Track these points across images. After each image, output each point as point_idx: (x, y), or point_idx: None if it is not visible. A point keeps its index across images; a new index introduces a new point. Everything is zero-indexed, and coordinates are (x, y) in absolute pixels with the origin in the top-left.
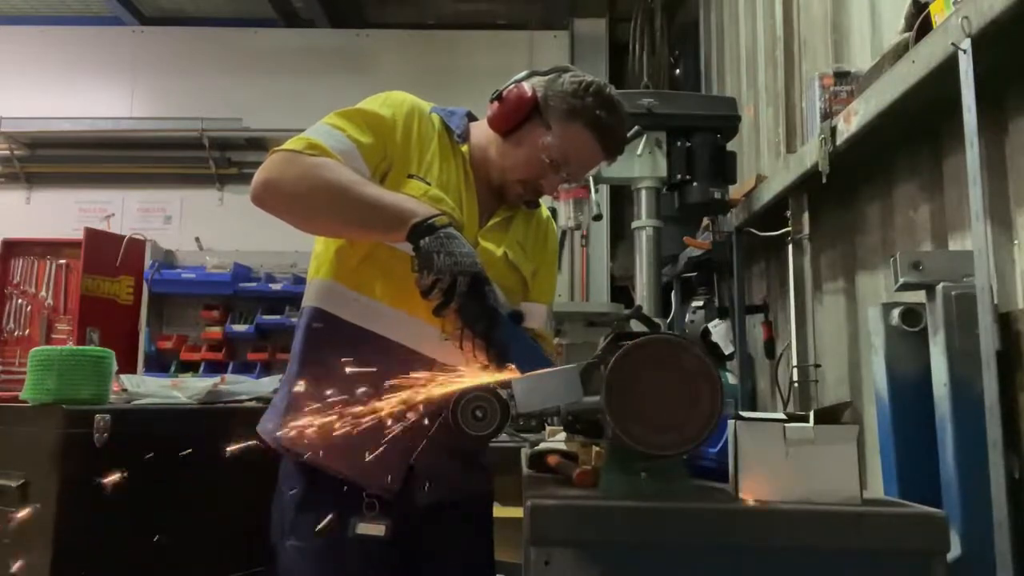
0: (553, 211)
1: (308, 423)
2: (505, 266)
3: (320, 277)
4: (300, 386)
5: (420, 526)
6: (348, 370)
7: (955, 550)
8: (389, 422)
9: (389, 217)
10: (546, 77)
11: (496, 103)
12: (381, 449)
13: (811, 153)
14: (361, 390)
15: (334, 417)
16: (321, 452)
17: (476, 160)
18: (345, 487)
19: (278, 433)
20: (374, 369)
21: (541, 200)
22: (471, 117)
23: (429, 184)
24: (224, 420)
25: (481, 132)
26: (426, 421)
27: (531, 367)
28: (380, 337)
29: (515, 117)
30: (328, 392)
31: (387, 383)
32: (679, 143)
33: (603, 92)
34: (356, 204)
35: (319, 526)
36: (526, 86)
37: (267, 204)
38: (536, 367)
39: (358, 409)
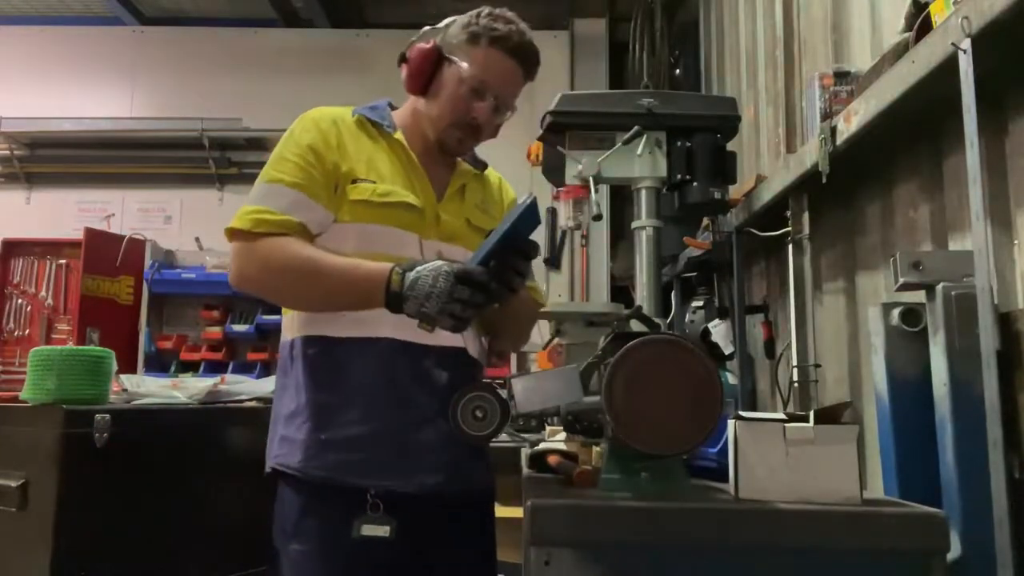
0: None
1: (346, 446)
2: (470, 231)
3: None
4: (316, 414)
5: (426, 525)
6: (362, 381)
7: (955, 550)
8: (421, 421)
9: (356, 301)
10: (440, 29)
11: (404, 66)
12: (414, 448)
13: (811, 153)
14: (381, 397)
15: (366, 431)
16: (363, 470)
17: (413, 141)
18: (348, 489)
19: (307, 464)
20: (382, 375)
21: (490, 168)
22: (392, 107)
23: (375, 182)
24: (224, 420)
25: (406, 112)
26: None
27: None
28: (380, 339)
29: (425, 70)
30: (346, 410)
31: (400, 381)
32: (679, 143)
33: (494, 11)
34: (322, 297)
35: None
36: (423, 39)
37: (254, 293)
38: (527, 220)
39: (387, 416)
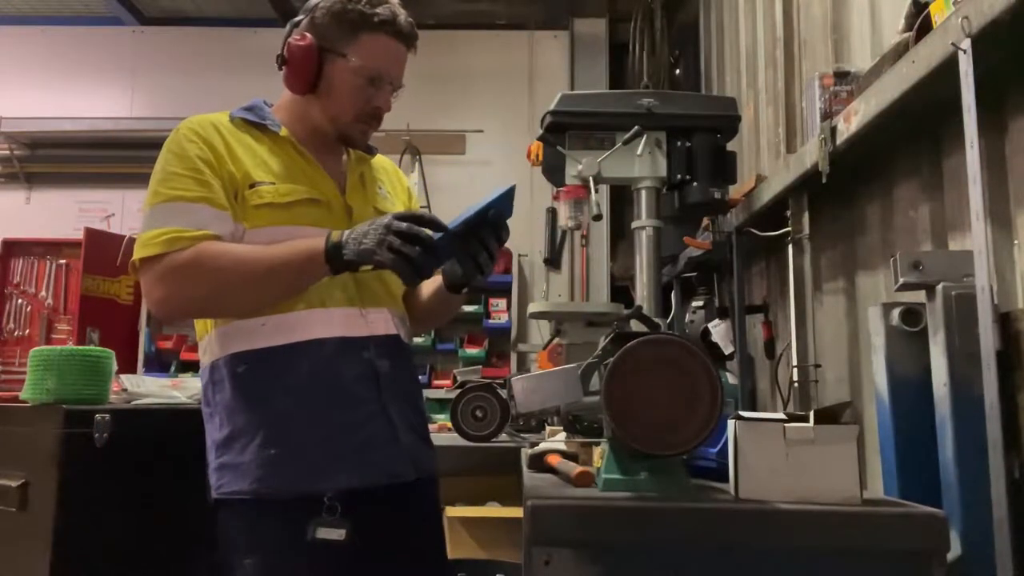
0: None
1: (299, 455)
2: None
3: (217, 328)
4: (261, 431)
5: (380, 522)
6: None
7: (955, 550)
8: (369, 414)
9: (297, 275)
10: (308, 15)
11: (284, 68)
12: (376, 442)
13: (811, 153)
14: (325, 398)
15: (317, 435)
16: (319, 475)
17: (301, 135)
18: (304, 496)
19: (260, 484)
20: (321, 376)
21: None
22: (267, 104)
23: (274, 183)
24: None
25: (287, 107)
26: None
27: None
28: (311, 341)
29: (309, 68)
30: (293, 419)
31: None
32: (679, 143)
33: None
34: (260, 284)
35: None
36: (296, 36)
37: (180, 318)
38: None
39: (335, 416)
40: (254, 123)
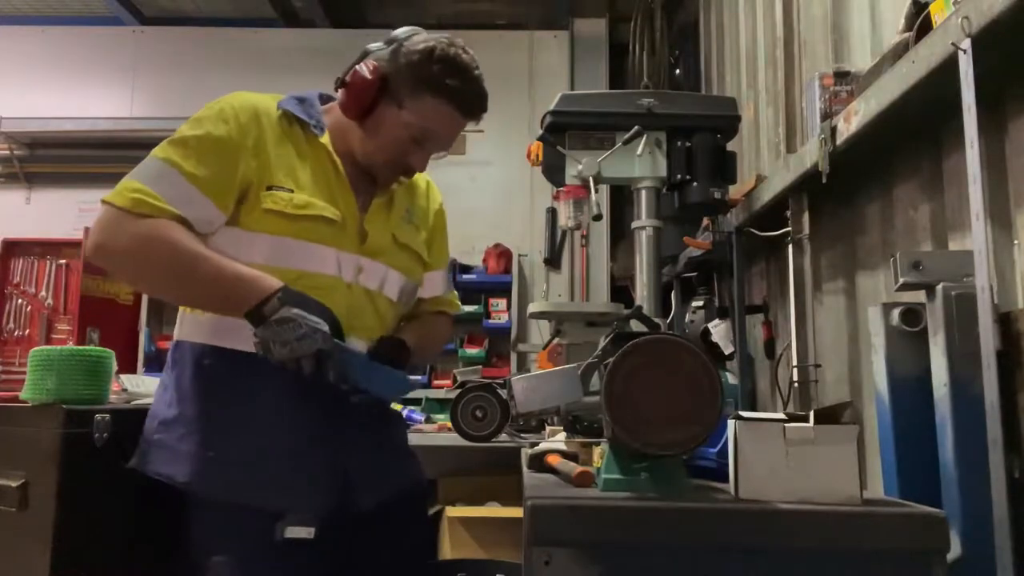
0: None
1: (227, 463)
2: (396, 248)
3: (197, 312)
4: (205, 428)
5: (356, 524)
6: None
7: (955, 550)
8: (317, 439)
9: (223, 303)
10: (389, 48)
11: (342, 90)
12: (312, 472)
13: (811, 153)
14: (276, 414)
15: (254, 450)
16: (246, 490)
17: (340, 146)
18: (233, 503)
19: (193, 480)
20: (280, 391)
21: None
22: (325, 98)
23: (292, 191)
24: None
25: (337, 113)
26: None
27: (388, 391)
28: None
29: (364, 103)
30: (241, 427)
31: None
32: (679, 143)
33: (448, 55)
34: (190, 288)
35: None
36: (367, 66)
37: (105, 268)
38: (392, 389)
39: (280, 434)
40: (299, 120)
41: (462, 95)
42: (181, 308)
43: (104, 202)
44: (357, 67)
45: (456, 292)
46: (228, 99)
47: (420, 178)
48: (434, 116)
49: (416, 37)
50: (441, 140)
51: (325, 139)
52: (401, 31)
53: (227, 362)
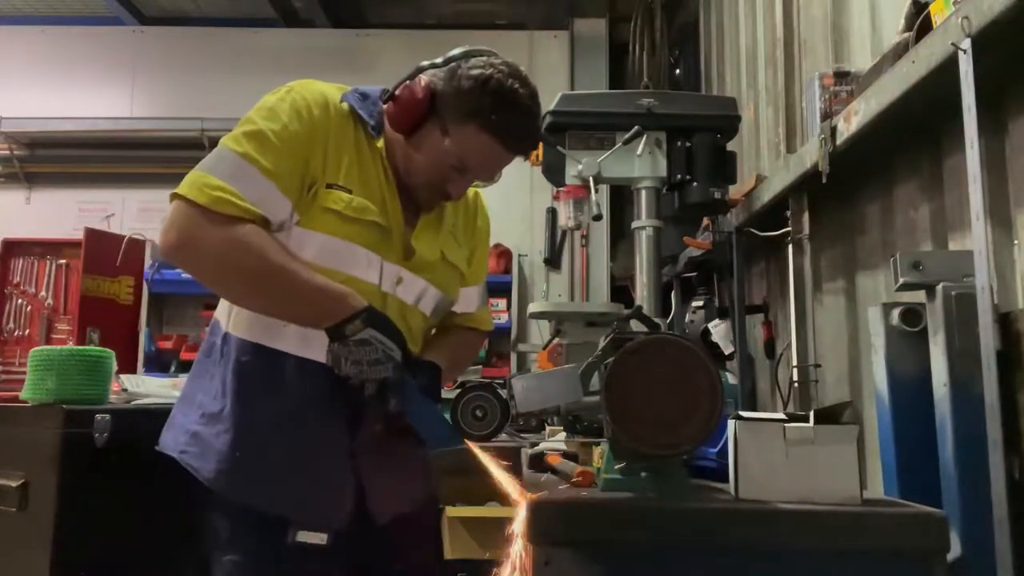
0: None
1: (252, 467)
2: (444, 266)
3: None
4: (239, 428)
5: (367, 536)
6: (297, 406)
7: (955, 550)
8: (343, 451)
9: (306, 317)
10: (446, 68)
11: (391, 103)
12: (335, 484)
13: (811, 153)
14: (301, 422)
15: (278, 458)
16: (266, 496)
17: (393, 153)
18: (250, 506)
19: (217, 476)
20: (319, 399)
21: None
22: (386, 96)
23: (351, 192)
24: None
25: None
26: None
27: (432, 438)
28: (312, 362)
29: (411, 119)
30: (269, 432)
31: (333, 409)
32: (679, 143)
33: (503, 88)
34: (276, 301)
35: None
36: (420, 83)
37: (182, 268)
38: (437, 441)
39: (303, 443)
40: (360, 118)
41: (509, 132)
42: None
43: (178, 197)
44: (409, 82)
45: (489, 307)
46: (300, 89)
47: (470, 191)
48: (477, 148)
49: (474, 60)
50: (483, 173)
51: (381, 143)
52: (458, 51)
53: (263, 361)
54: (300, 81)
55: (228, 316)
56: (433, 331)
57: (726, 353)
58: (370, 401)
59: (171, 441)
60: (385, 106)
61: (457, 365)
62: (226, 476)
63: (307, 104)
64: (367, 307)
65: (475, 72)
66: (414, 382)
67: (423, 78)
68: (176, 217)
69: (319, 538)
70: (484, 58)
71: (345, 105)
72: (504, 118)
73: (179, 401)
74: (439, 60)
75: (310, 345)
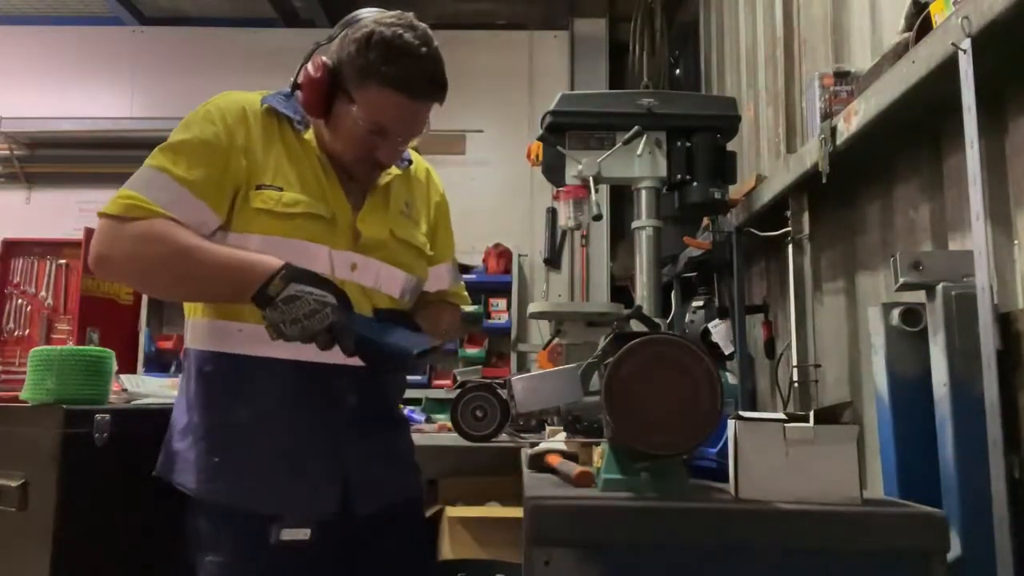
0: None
1: (229, 469)
2: (396, 244)
3: (197, 317)
4: (210, 435)
5: (352, 533)
6: (251, 404)
7: (955, 550)
8: (317, 444)
9: (229, 291)
10: (336, 40)
11: (299, 91)
12: (313, 477)
13: (811, 153)
14: (276, 420)
15: (254, 456)
16: (245, 495)
17: (323, 141)
18: (236, 508)
19: (200, 487)
20: (279, 396)
21: (413, 155)
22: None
23: (281, 189)
24: None
25: None
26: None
27: (412, 346)
28: (276, 360)
29: (317, 99)
30: (243, 433)
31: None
32: (679, 143)
33: (387, 38)
34: (194, 281)
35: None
36: (314, 64)
37: (109, 279)
38: (416, 344)
39: (281, 440)
40: (284, 115)
41: (406, 80)
42: (187, 315)
43: (100, 215)
44: (306, 65)
45: (464, 284)
46: (215, 100)
47: (420, 168)
48: (383, 107)
49: (359, 23)
50: (401, 129)
51: (310, 135)
52: (349, 17)
53: (225, 367)
54: (221, 93)
55: (188, 333)
56: None
57: (726, 353)
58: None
59: (160, 465)
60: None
61: (438, 322)
62: (207, 484)
63: (220, 113)
64: (283, 265)
65: (359, 34)
66: (361, 315)
67: (317, 57)
68: (97, 231)
69: (302, 534)
70: (369, 16)
71: (266, 106)
72: (397, 68)
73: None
74: (330, 33)
75: (261, 343)
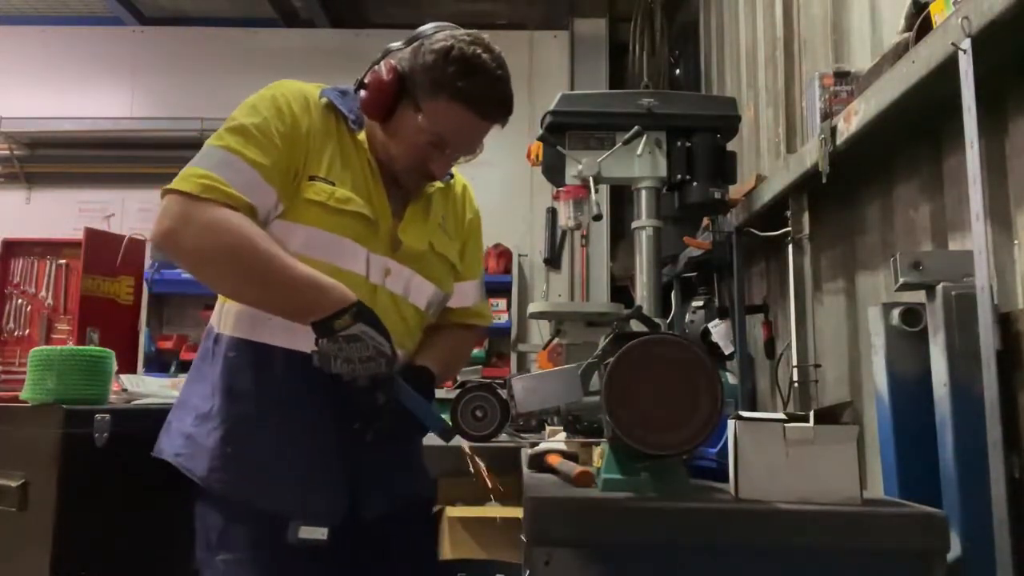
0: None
1: (243, 461)
2: (432, 257)
3: (230, 302)
4: (230, 423)
5: (360, 535)
6: (280, 397)
7: (955, 550)
8: (332, 443)
9: (291, 308)
10: (409, 47)
11: (363, 91)
12: (326, 476)
13: (811, 153)
14: (294, 415)
15: (269, 451)
16: (257, 491)
17: (375, 144)
18: (246, 502)
19: (210, 475)
20: (305, 389)
21: (455, 170)
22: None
23: (333, 184)
24: None
25: None
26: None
27: (428, 423)
28: (301, 353)
29: (382, 103)
30: (262, 427)
31: (318, 402)
32: (679, 143)
33: (466, 55)
34: (260, 287)
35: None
36: (386, 67)
37: (169, 255)
38: (433, 424)
39: (292, 437)
40: (340, 113)
41: (478, 98)
42: (220, 298)
43: (168, 190)
44: (376, 67)
45: (488, 303)
46: (279, 87)
47: (459, 184)
48: (450, 121)
49: (437, 35)
50: (461, 145)
51: (362, 136)
52: (425, 27)
53: (250, 356)
54: (280, 81)
55: (219, 317)
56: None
57: (726, 353)
58: (359, 394)
59: (167, 446)
60: (358, 96)
61: (450, 368)
62: (218, 473)
63: (287, 100)
64: (356, 301)
65: (437, 45)
66: (400, 379)
67: (389, 61)
68: (167, 206)
69: (320, 532)
70: (447, 31)
71: (325, 100)
72: (472, 85)
73: (175, 407)
74: (404, 41)
75: (296, 335)
